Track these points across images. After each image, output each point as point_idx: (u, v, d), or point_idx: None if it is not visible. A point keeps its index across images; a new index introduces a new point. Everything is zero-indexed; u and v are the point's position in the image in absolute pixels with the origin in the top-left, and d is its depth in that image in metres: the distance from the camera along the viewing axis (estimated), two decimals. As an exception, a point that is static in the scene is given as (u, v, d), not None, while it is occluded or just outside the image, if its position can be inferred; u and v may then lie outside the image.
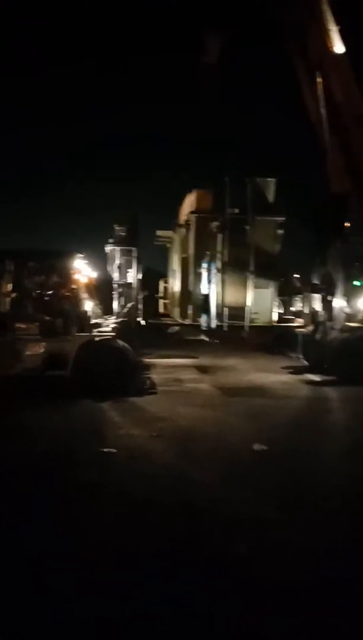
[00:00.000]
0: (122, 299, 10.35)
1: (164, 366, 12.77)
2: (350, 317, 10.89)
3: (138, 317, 10.76)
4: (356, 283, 11.75)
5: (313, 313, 11.69)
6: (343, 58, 14.63)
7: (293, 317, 13.81)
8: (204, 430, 6.70)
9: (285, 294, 14.69)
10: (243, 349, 14.96)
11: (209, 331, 12.17)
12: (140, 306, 12.34)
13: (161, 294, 17.69)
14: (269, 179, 13.44)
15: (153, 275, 19.08)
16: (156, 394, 9.28)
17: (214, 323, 12.02)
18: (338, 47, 14.69)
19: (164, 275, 17.65)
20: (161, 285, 17.66)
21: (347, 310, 10.87)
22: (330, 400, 8.98)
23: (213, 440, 6.25)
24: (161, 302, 17.63)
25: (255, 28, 17.07)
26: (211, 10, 15.28)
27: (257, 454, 5.68)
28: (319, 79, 14.65)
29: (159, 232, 15.81)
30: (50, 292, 8.92)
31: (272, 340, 15.17)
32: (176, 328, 13.64)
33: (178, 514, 4.20)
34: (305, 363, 12.66)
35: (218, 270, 12.24)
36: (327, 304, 10.83)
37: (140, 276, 11.24)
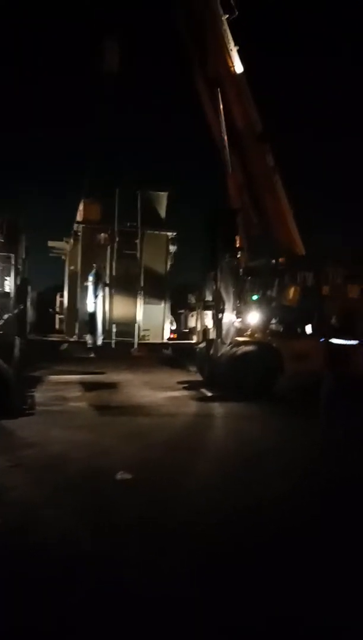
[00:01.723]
0: (-2, 311, 9.48)
1: (53, 383, 11.97)
2: (239, 332, 10.88)
3: (20, 331, 9.93)
4: (254, 297, 11.88)
5: (205, 329, 11.61)
6: (242, 77, 15.02)
7: (189, 333, 13.72)
8: (72, 457, 6.08)
9: (179, 311, 14.59)
10: (139, 365, 14.57)
11: (95, 349, 11.63)
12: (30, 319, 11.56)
13: (57, 309, 16.79)
14: (161, 193, 13.27)
15: (54, 289, 18.12)
16: (33, 415, 8.51)
17: (100, 340, 11.49)
18: (238, 67, 15.07)
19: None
20: (58, 299, 16.76)
21: (237, 324, 10.86)
22: (213, 417, 8.78)
23: (78, 469, 5.66)
24: (57, 317, 16.73)
25: (157, 41, 17.12)
26: (110, 16, 15.01)
27: (119, 484, 5.20)
28: (219, 97, 14.92)
29: (51, 243, 14.89)
30: None
31: (169, 356, 14.99)
32: (66, 345, 12.91)
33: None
34: (201, 378, 12.58)
35: (106, 285, 11.76)
36: (217, 320, 10.76)
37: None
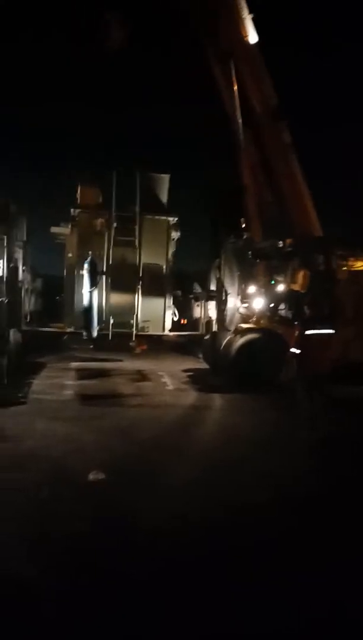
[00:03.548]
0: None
1: (57, 370, 11.68)
2: (244, 318, 10.28)
3: (12, 321, 9.55)
4: (274, 281, 11.21)
5: (209, 320, 11.05)
6: (256, 48, 14.14)
7: (195, 323, 13.16)
8: (44, 454, 5.66)
9: (190, 295, 14.01)
10: (148, 353, 14.10)
11: (91, 340, 11.21)
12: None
13: (64, 297, 16.45)
14: (163, 175, 12.58)
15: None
16: (24, 404, 8.20)
17: (95, 332, 11.05)
18: (252, 37, 14.17)
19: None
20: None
21: (242, 310, 10.25)
22: (210, 410, 8.26)
23: (47, 469, 5.23)
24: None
25: (164, 14, 16.25)
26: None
27: (89, 486, 4.78)
28: (232, 70, 14.14)
29: (53, 229, 14.36)
30: None
31: (181, 343, 14.48)
32: (66, 336, 12.55)
33: None
34: (208, 367, 12.11)
35: (102, 273, 11.25)
36: (220, 311, 10.15)
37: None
